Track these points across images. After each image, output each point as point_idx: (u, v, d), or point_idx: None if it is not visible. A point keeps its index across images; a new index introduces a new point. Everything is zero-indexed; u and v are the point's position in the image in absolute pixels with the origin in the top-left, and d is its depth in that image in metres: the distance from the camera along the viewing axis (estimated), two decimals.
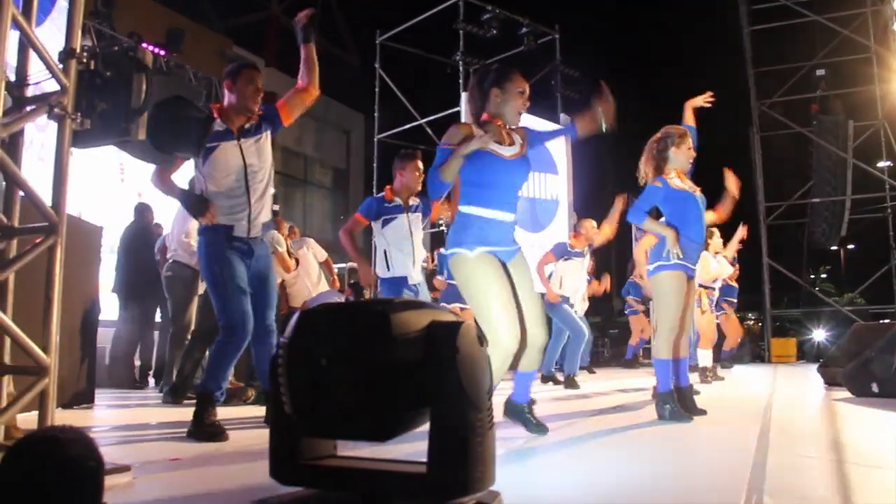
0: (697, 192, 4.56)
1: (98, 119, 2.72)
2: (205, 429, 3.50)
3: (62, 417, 3.81)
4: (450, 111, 13.29)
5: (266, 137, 3.78)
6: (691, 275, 4.44)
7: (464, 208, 3.39)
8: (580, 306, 7.73)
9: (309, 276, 6.59)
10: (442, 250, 6.64)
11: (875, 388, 5.48)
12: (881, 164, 15.71)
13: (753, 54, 16.08)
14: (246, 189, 3.68)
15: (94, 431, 3.95)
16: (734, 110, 16.82)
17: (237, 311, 3.61)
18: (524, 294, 3.40)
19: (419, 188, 5.06)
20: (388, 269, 4.97)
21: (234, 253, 3.67)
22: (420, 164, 5.05)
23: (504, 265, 3.38)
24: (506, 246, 3.40)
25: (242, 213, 3.68)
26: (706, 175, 5.10)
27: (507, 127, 3.54)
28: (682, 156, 4.56)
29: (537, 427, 3.61)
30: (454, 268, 3.38)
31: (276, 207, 5.23)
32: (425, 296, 5.19)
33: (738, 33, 16.29)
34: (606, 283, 9.42)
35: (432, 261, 9.23)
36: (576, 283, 7.49)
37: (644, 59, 21.87)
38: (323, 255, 6.86)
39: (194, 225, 6.34)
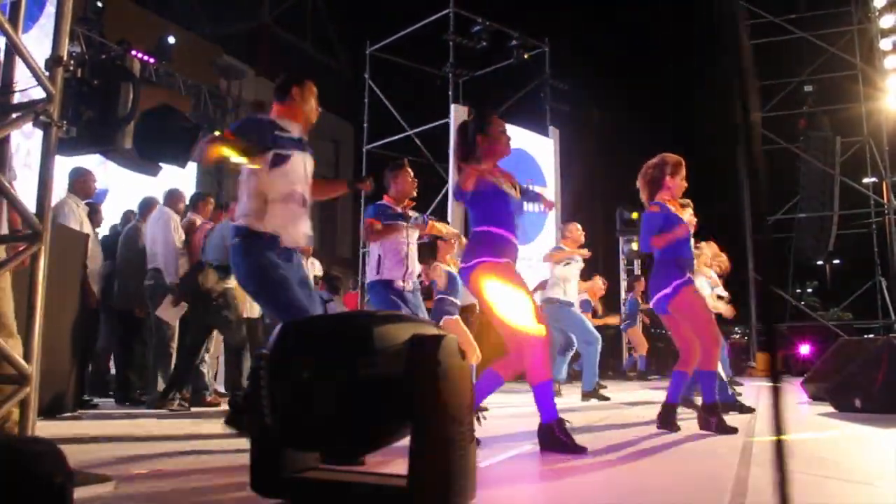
0: (687, 215, 4.71)
1: (84, 127, 2.71)
2: None
3: (44, 426, 3.79)
4: (439, 122, 13.31)
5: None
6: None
7: (485, 228, 3.71)
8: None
9: None
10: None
11: (858, 403, 5.51)
12: (866, 180, 15.85)
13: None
14: (303, 202, 3.60)
15: (76, 441, 3.92)
16: (722, 125, 16.96)
17: (299, 305, 3.36)
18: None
19: (414, 193, 5.17)
20: (378, 273, 5.04)
21: (277, 257, 3.48)
22: (410, 171, 5.15)
23: None
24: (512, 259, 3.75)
25: (297, 222, 3.57)
26: (695, 189, 5.14)
27: (499, 168, 3.84)
28: (675, 186, 4.62)
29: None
30: (480, 275, 3.62)
31: None
32: (418, 303, 5.21)
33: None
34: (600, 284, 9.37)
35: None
36: (576, 286, 7.61)
37: (633, 74, 22.00)
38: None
39: (179, 234, 6.34)
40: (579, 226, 7.61)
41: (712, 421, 4.31)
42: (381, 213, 5.05)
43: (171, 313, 6.19)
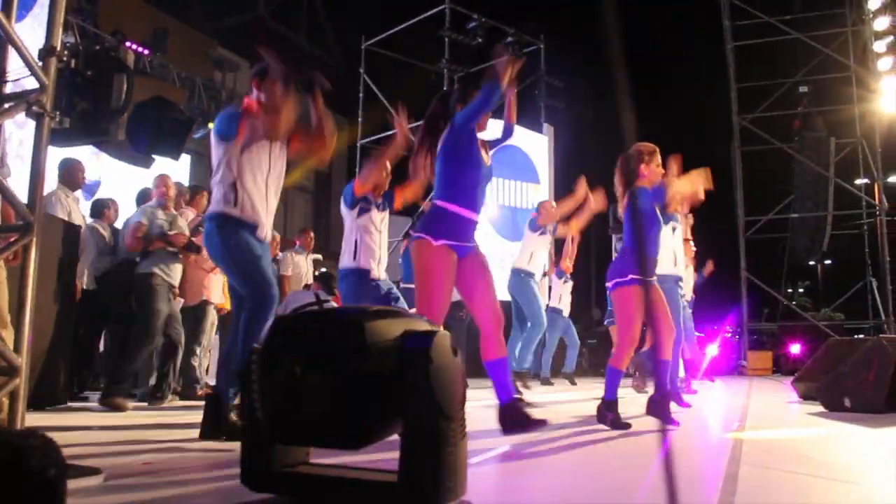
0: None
1: (77, 118, 2.70)
2: None
3: (34, 419, 3.78)
4: None
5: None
6: (648, 286, 4.56)
7: (441, 203, 3.68)
8: (565, 309, 7.84)
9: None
10: None
11: (847, 402, 5.53)
12: (858, 181, 15.92)
13: (736, 70, 16.23)
14: (266, 190, 3.75)
15: (66, 433, 3.90)
16: (716, 124, 17.00)
17: (265, 274, 3.65)
18: (477, 284, 3.71)
19: (386, 187, 5.32)
20: (354, 260, 5.14)
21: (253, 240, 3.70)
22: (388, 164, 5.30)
23: (458, 260, 3.67)
24: (466, 242, 3.70)
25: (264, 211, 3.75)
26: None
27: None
28: (651, 174, 4.63)
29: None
30: (416, 250, 3.66)
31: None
32: (390, 287, 5.34)
33: (721, 49, 16.44)
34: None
35: None
36: (543, 259, 7.66)
37: (628, 72, 21.94)
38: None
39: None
40: (553, 203, 7.68)
41: (608, 416, 4.35)
42: (352, 198, 5.20)
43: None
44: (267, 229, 3.76)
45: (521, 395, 3.74)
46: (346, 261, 5.20)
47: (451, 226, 3.65)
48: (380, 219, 5.26)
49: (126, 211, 6.66)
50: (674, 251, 6.08)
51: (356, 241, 5.15)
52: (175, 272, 5.92)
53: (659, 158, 4.66)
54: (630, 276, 4.42)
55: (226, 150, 3.60)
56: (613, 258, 5.63)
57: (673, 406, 5.01)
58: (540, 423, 3.51)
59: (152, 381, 6.03)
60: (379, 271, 5.25)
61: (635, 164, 4.65)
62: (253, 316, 3.64)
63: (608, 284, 4.62)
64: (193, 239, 5.95)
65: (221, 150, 3.62)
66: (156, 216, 5.85)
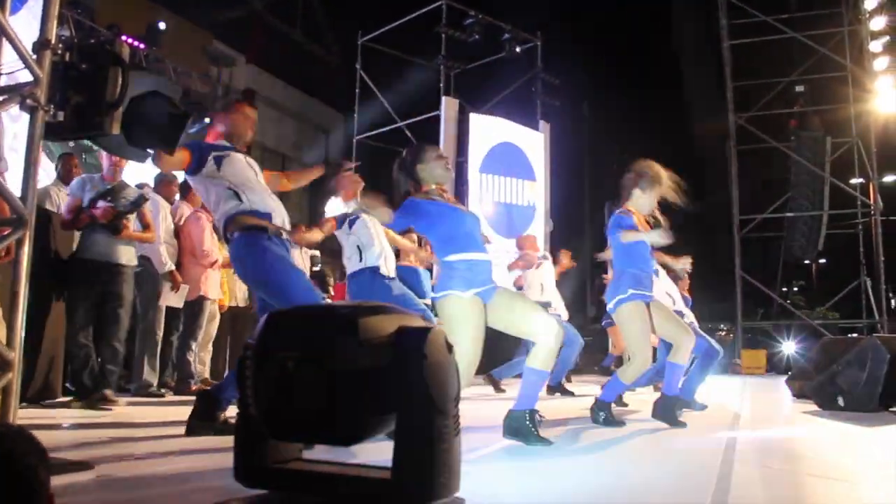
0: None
1: (72, 112, 2.68)
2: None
3: (26, 413, 3.77)
4: (430, 114, 13.29)
5: None
6: (648, 302, 4.51)
7: (449, 258, 3.52)
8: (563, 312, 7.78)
9: None
10: None
11: (841, 401, 5.55)
12: (854, 181, 15.94)
13: (733, 68, 16.24)
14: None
15: (58, 428, 3.90)
16: (712, 122, 17.01)
17: (305, 291, 3.47)
18: (515, 310, 3.54)
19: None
20: (361, 261, 5.13)
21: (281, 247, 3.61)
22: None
23: (485, 305, 3.50)
24: (488, 285, 3.53)
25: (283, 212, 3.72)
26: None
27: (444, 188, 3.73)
28: (645, 201, 4.59)
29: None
30: (443, 306, 3.49)
31: None
32: (401, 289, 5.23)
33: (718, 47, 16.44)
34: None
35: None
36: (552, 284, 7.62)
37: (625, 70, 22.00)
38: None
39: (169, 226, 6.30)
40: (542, 217, 7.67)
41: (601, 414, 4.40)
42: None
43: (174, 298, 6.21)
44: (282, 215, 3.67)
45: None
46: (353, 265, 5.18)
47: (471, 274, 3.50)
48: (371, 220, 5.21)
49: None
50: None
51: (359, 248, 5.15)
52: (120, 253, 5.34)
53: (660, 188, 4.58)
54: (630, 292, 4.42)
55: (203, 177, 3.59)
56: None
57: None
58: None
59: (146, 374, 6.00)
60: (388, 268, 5.19)
61: (632, 184, 4.62)
62: None
63: (609, 306, 4.59)
64: (129, 215, 5.35)
65: (199, 181, 3.63)
66: (95, 189, 5.22)
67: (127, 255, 5.41)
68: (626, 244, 4.48)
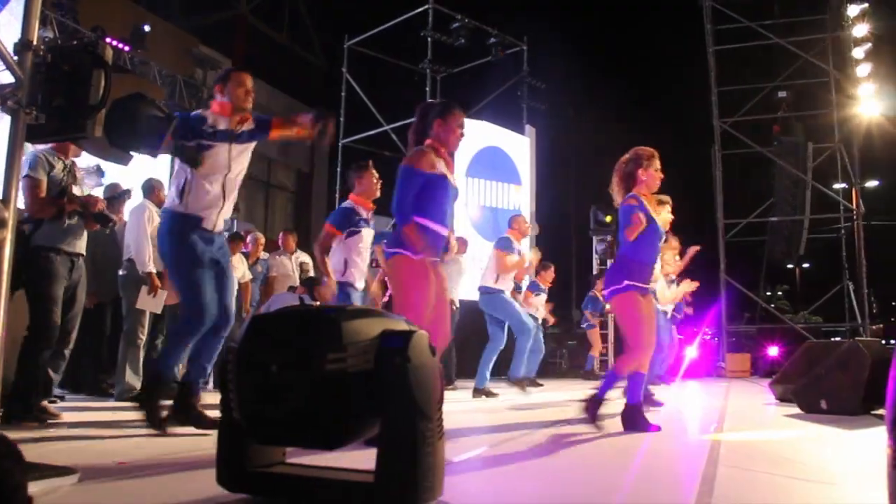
0: (664, 213, 4.76)
1: (54, 114, 2.66)
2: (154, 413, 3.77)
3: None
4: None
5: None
6: (644, 293, 4.52)
7: (419, 220, 3.71)
8: (539, 314, 7.78)
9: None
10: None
11: (824, 404, 5.58)
12: (836, 185, 16.09)
13: (717, 73, 16.34)
14: (223, 189, 3.92)
15: (41, 432, 3.86)
16: (697, 127, 17.11)
17: (202, 295, 3.77)
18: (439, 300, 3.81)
19: (378, 193, 5.35)
20: (343, 276, 5.21)
21: (198, 239, 3.82)
22: (374, 172, 5.34)
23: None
24: (437, 257, 3.83)
25: (215, 208, 3.89)
26: (668, 191, 5.17)
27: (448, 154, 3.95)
28: (650, 178, 4.60)
29: None
30: (395, 265, 3.71)
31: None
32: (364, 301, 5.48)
33: (702, 52, 16.55)
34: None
35: None
36: (509, 275, 7.68)
37: (610, 75, 22.13)
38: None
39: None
40: (527, 218, 7.70)
41: (590, 411, 4.36)
42: (345, 221, 5.18)
43: (150, 303, 6.12)
44: (216, 222, 3.90)
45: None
46: (335, 276, 5.20)
47: (428, 241, 3.71)
48: (369, 237, 5.32)
49: (128, 206, 6.58)
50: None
51: (346, 261, 5.20)
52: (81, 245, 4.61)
53: (658, 163, 4.61)
54: (626, 283, 4.42)
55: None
56: (595, 257, 5.66)
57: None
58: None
59: (129, 377, 5.95)
60: (360, 284, 5.37)
61: (633, 168, 4.62)
62: (179, 330, 3.95)
63: (605, 292, 4.64)
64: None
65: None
66: (53, 166, 4.36)
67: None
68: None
